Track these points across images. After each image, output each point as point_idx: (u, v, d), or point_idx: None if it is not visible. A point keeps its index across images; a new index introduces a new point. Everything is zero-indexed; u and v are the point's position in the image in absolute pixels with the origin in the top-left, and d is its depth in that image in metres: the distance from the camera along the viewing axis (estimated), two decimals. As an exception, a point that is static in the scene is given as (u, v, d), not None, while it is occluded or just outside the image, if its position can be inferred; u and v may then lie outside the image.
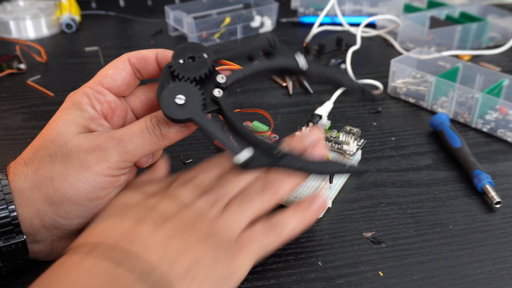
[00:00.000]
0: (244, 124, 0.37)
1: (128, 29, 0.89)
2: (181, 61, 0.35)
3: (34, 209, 0.33)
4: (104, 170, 0.34)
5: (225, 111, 0.34)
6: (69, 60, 0.75)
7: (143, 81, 0.40)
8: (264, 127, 0.53)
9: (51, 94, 0.64)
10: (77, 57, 0.76)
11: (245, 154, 0.33)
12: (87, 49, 0.79)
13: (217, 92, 0.34)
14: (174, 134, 0.35)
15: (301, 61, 0.37)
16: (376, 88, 0.38)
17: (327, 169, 0.35)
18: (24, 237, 0.34)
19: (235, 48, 0.37)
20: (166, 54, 0.37)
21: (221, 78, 0.35)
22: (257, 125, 0.54)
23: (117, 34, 0.87)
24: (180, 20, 0.80)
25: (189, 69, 0.35)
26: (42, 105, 0.62)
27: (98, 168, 0.33)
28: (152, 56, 0.38)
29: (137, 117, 0.40)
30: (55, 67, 0.73)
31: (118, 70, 0.38)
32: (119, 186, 0.36)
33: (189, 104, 0.33)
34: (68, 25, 0.85)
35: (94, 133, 0.35)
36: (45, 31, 0.84)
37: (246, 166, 0.33)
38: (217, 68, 0.36)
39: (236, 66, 0.37)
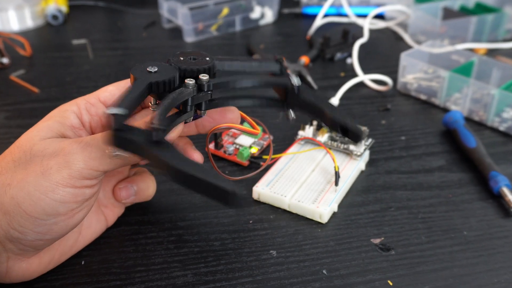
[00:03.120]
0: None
1: (118, 20, 0.89)
2: (182, 58, 0.36)
3: None
4: (65, 179, 0.32)
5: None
6: (55, 54, 0.75)
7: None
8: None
9: (36, 90, 0.64)
10: (64, 51, 0.76)
11: (117, 110, 0.30)
12: (75, 42, 0.79)
13: (189, 80, 0.34)
14: None
15: (294, 79, 0.37)
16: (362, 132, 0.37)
17: (199, 173, 0.29)
18: None
19: (242, 60, 0.37)
20: None
21: (204, 77, 0.35)
22: (249, 126, 0.53)
23: (107, 26, 0.87)
24: (175, 11, 0.81)
25: (183, 62, 0.35)
26: (26, 102, 0.62)
27: (58, 176, 0.32)
28: None
29: None
30: (40, 62, 0.73)
31: (119, 88, 0.38)
32: (83, 202, 0.34)
33: (158, 73, 0.34)
34: (54, 17, 0.85)
35: (62, 138, 0.35)
36: (29, 23, 0.84)
37: (115, 134, 0.30)
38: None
39: (241, 128, 0.39)
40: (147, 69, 0.34)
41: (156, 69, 0.34)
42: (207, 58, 0.36)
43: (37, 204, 0.32)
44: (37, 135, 0.34)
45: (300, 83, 0.37)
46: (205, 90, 0.35)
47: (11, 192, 0.32)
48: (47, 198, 0.32)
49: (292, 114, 0.38)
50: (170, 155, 0.30)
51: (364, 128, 0.52)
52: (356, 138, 0.37)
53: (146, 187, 0.42)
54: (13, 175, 0.33)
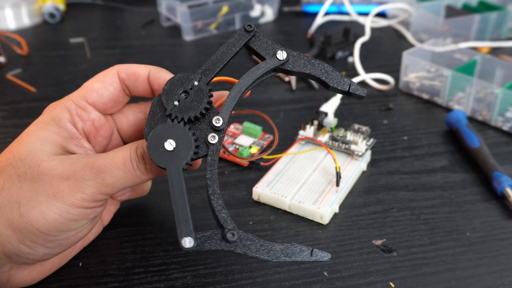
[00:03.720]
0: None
1: (116, 19, 0.89)
2: (176, 103, 0.34)
3: None
4: (79, 201, 0.33)
5: (208, 164, 0.34)
6: (52, 53, 0.75)
7: (134, 98, 0.40)
8: (257, 128, 0.53)
9: (33, 89, 0.64)
10: (61, 49, 0.76)
11: (188, 242, 0.32)
12: (72, 40, 0.79)
13: (212, 138, 0.34)
14: (160, 170, 0.35)
15: (282, 54, 0.36)
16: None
17: (290, 257, 0.34)
18: None
19: (217, 57, 0.36)
20: (159, 75, 0.37)
21: (217, 121, 0.34)
22: (248, 126, 0.54)
23: (105, 25, 0.87)
24: (174, 9, 0.81)
25: (185, 109, 0.34)
26: (23, 102, 0.62)
27: (72, 199, 0.33)
28: (144, 74, 0.37)
29: (123, 138, 0.40)
30: (37, 60, 0.73)
31: (105, 85, 0.37)
32: (93, 219, 0.35)
33: (177, 151, 0.33)
34: (52, 15, 0.85)
35: (71, 157, 0.34)
36: (26, 21, 0.84)
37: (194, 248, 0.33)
38: (213, 96, 0.36)
39: (232, 80, 0.37)
40: (165, 147, 0.33)
41: (174, 146, 0.33)
42: (196, 83, 0.35)
43: (51, 223, 0.32)
44: (42, 150, 0.34)
45: (285, 57, 0.36)
46: (221, 129, 0.35)
47: (21, 210, 0.32)
48: (61, 218, 0.33)
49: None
50: (253, 248, 0.33)
51: (366, 128, 0.52)
52: (359, 98, 0.37)
53: None
54: (20, 192, 0.33)
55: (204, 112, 0.34)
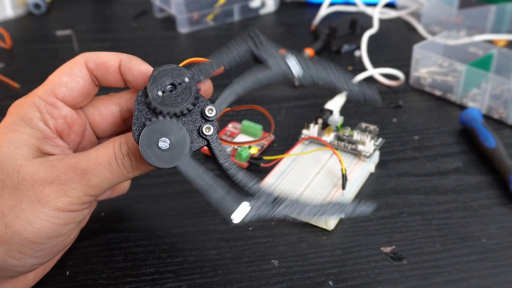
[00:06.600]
0: (234, 162, 0.37)
1: (106, 9, 0.89)
2: (160, 93, 0.34)
3: None
4: (65, 205, 0.33)
5: (214, 151, 0.35)
6: (37, 46, 0.75)
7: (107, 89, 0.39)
8: (256, 126, 0.53)
9: (17, 85, 0.64)
10: (47, 42, 0.76)
11: (242, 210, 0.34)
12: (59, 33, 0.79)
13: (206, 129, 0.35)
14: (147, 167, 0.35)
15: (294, 66, 0.37)
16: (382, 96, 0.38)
17: (329, 211, 0.35)
18: None
19: (215, 59, 0.36)
20: (132, 65, 0.36)
21: (210, 111, 0.35)
22: (247, 124, 0.54)
23: (94, 16, 0.87)
24: (167, -1, 0.81)
25: (171, 102, 0.34)
26: (5, 99, 0.62)
27: (58, 203, 0.33)
28: (115, 64, 0.37)
29: (96, 133, 0.39)
30: (21, 54, 0.73)
31: (74, 77, 0.36)
32: (81, 221, 0.36)
33: (174, 147, 0.33)
34: (37, 5, 0.85)
35: (50, 159, 0.34)
36: (9, 12, 0.84)
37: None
38: (183, 64, 0.36)
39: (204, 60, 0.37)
40: (160, 147, 0.33)
41: (169, 143, 0.33)
42: (186, 79, 0.34)
43: (40, 230, 0.32)
44: (19, 154, 0.33)
45: (302, 70, 0.37)
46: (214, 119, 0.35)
47: (5, 220, 0.32)
48: (49, 224, 0.33)
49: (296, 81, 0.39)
50: (295, 209, 0.34)
51: (374, 127, 0.52)
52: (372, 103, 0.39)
53: None
54: (1, 201, 0.32)
55: (193, 106, 0.34)
